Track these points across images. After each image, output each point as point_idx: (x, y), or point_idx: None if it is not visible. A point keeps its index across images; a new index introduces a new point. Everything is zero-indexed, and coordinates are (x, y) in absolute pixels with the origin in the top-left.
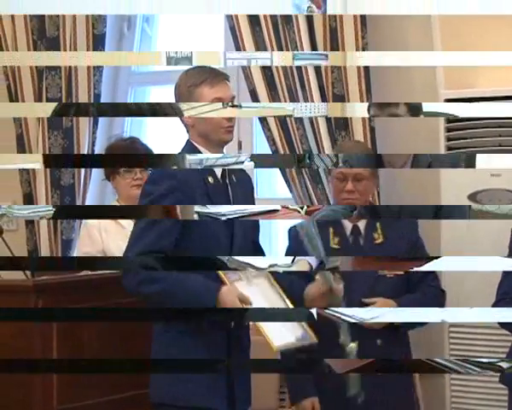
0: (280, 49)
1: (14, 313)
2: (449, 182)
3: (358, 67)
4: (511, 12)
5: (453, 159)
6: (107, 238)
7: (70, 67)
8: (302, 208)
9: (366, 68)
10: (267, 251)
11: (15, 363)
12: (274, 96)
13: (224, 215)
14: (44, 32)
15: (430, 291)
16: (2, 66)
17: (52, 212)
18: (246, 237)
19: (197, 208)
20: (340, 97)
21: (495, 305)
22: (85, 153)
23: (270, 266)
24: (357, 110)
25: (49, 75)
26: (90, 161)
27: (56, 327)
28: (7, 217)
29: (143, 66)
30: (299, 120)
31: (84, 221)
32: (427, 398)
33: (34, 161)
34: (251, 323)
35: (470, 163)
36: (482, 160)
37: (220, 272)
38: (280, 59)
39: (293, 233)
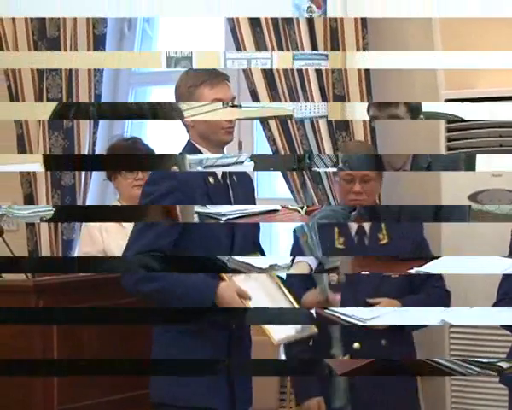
0: (280, 49)
1: (14, 313)
2: (449, 182)
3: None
4: (511, 13)
5: (453, 159)
6: (108, 238)
7: None
8: (302, 208)
9: (367, 69)
10: (267, 251)
11: (15, 365)
12: (274, 97)
13: (224, 215)
14: (45, 33)
15: (435, 292)
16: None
17: (52, 212)
18: (246, 238)
19: (197, 208)
20: (341, 98)
21: (495, 305)
22: (86, 153)
23: (270, 266)
24: (357, 111)
25: (50, 76)
26: (91, 161)
27: (57, 327)
28: (7, 217)
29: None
30: (300, 121)
31: None
32: (428, 398)
33: (34, 162)
34: None
35: (470, 163)
36: (482, 160)
37: None
38: (280, 59)
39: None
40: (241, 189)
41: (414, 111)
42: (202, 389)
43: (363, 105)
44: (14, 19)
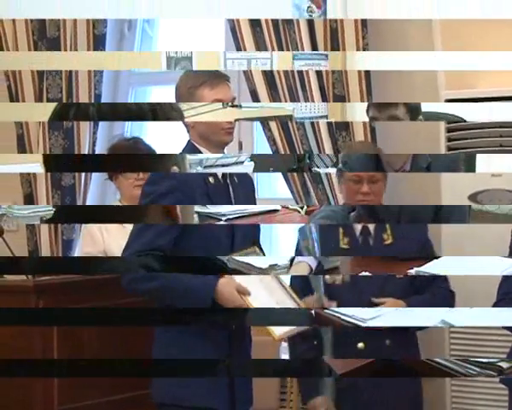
0: (280, 49)
1: (14, 313)
2: (449, 182)
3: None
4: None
5: (453, 159)
6: (109, 238)
7: None
8: (302, 208)
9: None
10: (267, 251)
11: (15, 365)
12: (275, 97)
13: (224, 215)
14: (45, 33)
15: (439, 292)
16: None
17: (52, 212)
18: (246, 238)
19: (197, 208)
20: (341, 98)
21: (495, 305)
22: (86, 153)
23: (270, 266)
24: (358, 111)
25: (50, 76)
26: (92, 161)
27: (57, 327)
28: (7, 217)
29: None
30: (301, 121)
31: None
32: (428, 398)
33: (35, 162)
34: None
35: (470, 164)
36: (482, 160)
37: None
38: (280, 59)
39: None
40: (242, 189)
41: (413, 112)
42: (203, 389)
43: (364, 105)
44: (14, 19)
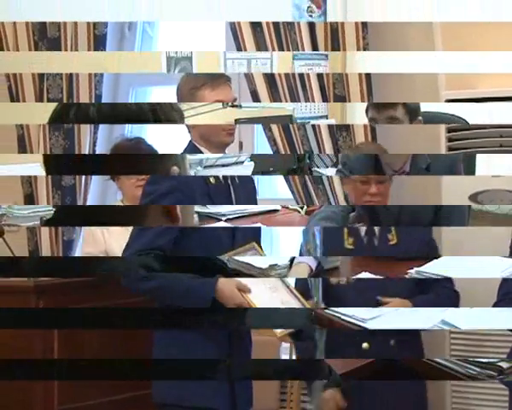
0: (281, 49)
1: (14, 313)
2: (450, 183)
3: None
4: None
5: (452, 160)
6: (110, 238)
7: None
8: (302, 208)
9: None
10: (267, 251)
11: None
12: (275, 97)
13: (224, 215)
14: (45, 33)
15: (443, 292)
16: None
17: (52, 212)
18: (246, 237)
19: (197, 208)
20: (341, 98)
21: (495, 305)
22: (87, 153)
23: (270, 266)
24: (358, 111)
25: (51, 76)
26: (93, 161)
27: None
28: (7, 217)
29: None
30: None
31: None
32: (428, 398)
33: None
34: None
35: (470, 164)
36: (482, 160)
37: None
38: (280, 59)
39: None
40: (243, 190)
41: (412, 113)
42: (203, 389)
43: (364, 105)
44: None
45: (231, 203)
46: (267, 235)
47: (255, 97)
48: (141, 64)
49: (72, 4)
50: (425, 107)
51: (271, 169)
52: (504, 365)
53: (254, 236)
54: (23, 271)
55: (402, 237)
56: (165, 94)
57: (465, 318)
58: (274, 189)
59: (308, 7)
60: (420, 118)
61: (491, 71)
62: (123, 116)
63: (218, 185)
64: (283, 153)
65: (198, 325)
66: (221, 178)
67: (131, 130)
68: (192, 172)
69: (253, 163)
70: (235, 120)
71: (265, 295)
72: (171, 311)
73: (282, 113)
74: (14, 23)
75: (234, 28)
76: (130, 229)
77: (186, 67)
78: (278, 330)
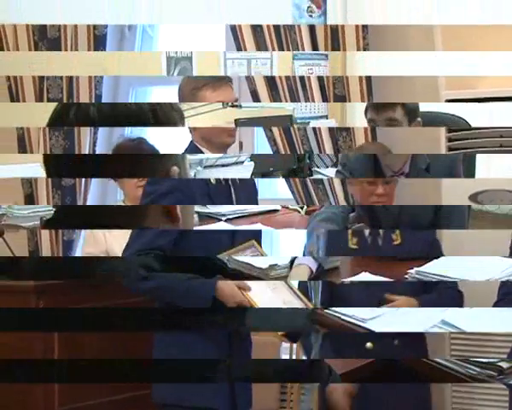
0: (281, 49)
1: (14, 314)
2: (450, 182)
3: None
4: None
5: (452, 160)
6: (111, 238)
7: None
8: (302, 208)
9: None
10: (267, 251)
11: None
12: (275, 97)
13: (224, 215)
14: (45, 33)
15: (447, 292)
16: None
17: (52, 212)
18: (246, 237)
19: (197, 208)
20: (341, 98)
21: (496, 305)
22: (87, 153)
23: (270, 266)
24: (358, 111)
25: (51, 76)
26: (93, 161)
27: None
28: (7, 217)
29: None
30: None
31: None
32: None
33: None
34: None
35: (470, 164)
36: (482, 160)
37: None
38: (280, 59)
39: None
40: (244, 191)
41: (411, 114)
42: (203, 389)
43: (364, 105)
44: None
45: (232, 203)
46: (267, 235)
47: (255, 97)
48: (141, 64)
49: (72, 5)
50: (425, 107)
51: (271, 169)
52: (504, 365)
53: (254, 236)
54: (23, 272)
55: (406, 237)
56: (166, 94)
57: (465, 318)
58: (274, 189)
59: (308, 7)
60: (419, 119)
61: (492, 71)
62: (123, 116)
63: (219, 186)
64: (283, 153)
65: (198, 326)
66: (222, 178)
67: (132, 130)
68: (192, 173)
69: (252, 163)
70: (235, 120)
71: (266, 294)
72: (171, 311)
73: (282, 113)
74: (15, 24)
75: (234, 28)
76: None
77: (186, 67)
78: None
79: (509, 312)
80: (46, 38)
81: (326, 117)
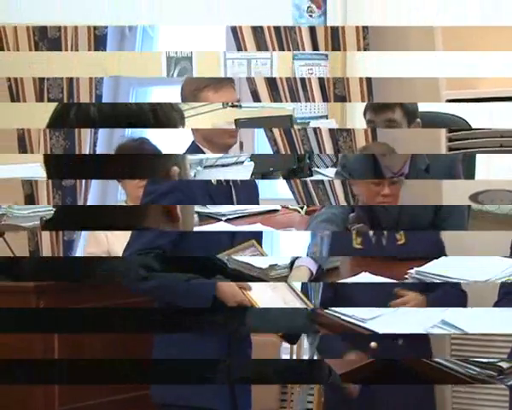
0: (281, 49)
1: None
2: (450, 182)
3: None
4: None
5: (452, 160)
6: (113, 238)
7: None
8: (302, 208)
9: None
10: (268, 251)
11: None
12: (275, 97)
13: (224, 215)
14: (46, 33)
15: (451, 291)
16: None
17: (52, 212)
18: (247, 238)
19: (197, 208)
20: (342, 98)
21: (496, 304)
22: (87, 153)
23: (271, 266)
24: (358, 111)
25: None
26: (93, 161)
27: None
28: (7, 217)
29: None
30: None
31: None
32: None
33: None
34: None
35: (470, 164)
36: (482, 160)
37: None
38: (280, 59)
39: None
40: (245, 192)
41: (410, 115)
42: (203, 389)
43: (364, 105)
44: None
45: (232, 203)
46: (267, 235)
47: (255, 97)
48: (141, 64)
49: (72, 5)
50: (425, 107)
51: (271, 169)
52: (504, 365)
53: (255, 236)
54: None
55: (410, 236)
56: (166, 94)
57: (465, 318)
58: (274, 189)
59: (308, 7)
60: (418, 120)
61: (491, 72)
62: (123, 116)
63: (220, 186)
64: (284, 153)
65: (198, 326)
66: (223, 179)
67: (134, 130)
68: (192, 173)
69: (252, 163)
70: (235, 120)
71: (266, 293)
72: (171, 311)
73: (282, 113)
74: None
75: (234, 29)
76: None
77: (186, 67)
78: None
79: (509, 312)
80: (46, 38)
81: (326, 117)
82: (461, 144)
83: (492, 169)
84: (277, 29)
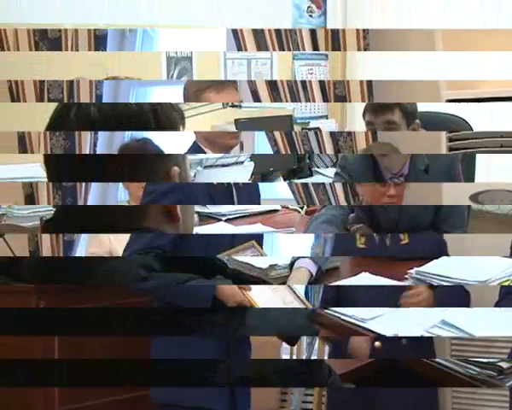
0: (281, 49)
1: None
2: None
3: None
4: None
5: (451, 160)
6: (115, 239)
7: None
8: (302, 208)
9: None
10: (268, 251)
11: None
12: (276, 97)
13: (224, 215)
14: (46, 33)
15: (454, 291)
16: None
17: (52, 212)
18: (247, 238)
19: (197, 208)
20: (342, 98)
21: (497, 305)
22: (88, 153)
23: (271, 266)
24: (357, 111)
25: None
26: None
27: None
28: (7, 217)
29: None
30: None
31: None
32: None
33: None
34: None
35: (470, 164)
36: (482, 161)
37: None
38: (280, 59)
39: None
40: (246, 193)
41: (410, 116)
42: (202, 389)
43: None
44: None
45: (233, 204)
46: (268, 235)
47: (255, 97)
48: (141, 64)
49: (72, 5)
50: (425, 107)
51: (271, 169)
52: (504, 365)
53: (255, 236)
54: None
55: (413, 236)
56: (166, 94)
57: (466, 318)
58: (274, 189)
59: (308, 7)
60: (417, 121)
61: (491, 73)
62: (124, 116)
63: (220, 187)
64: (284, 153)
65: (198, 326)
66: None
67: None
68: (192, 173)
69: (252, 163)
70: (235, 120)
71: (266, 293)
72: (171, 311)
73: (283, 113)
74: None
75: (235, 29)
76: None
77: (186, 67)
78: None
79: (510, 312)
80: (47, 38)
81: (326, 117)
82: (461, 144)
83: (492, 169)
84: (278, 30)
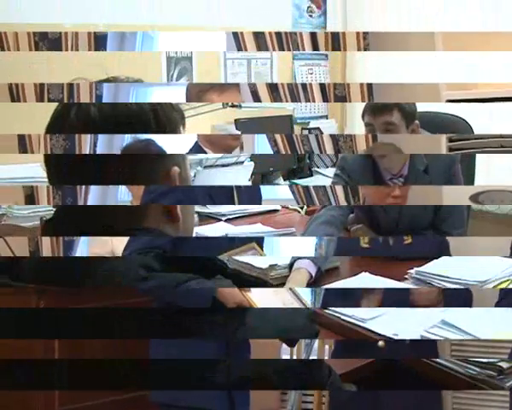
0: (281, 49)
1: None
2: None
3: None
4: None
5: (451, 160)
6: (117, 239)
7: None
8: (302, 208)
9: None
10: (268, 251)
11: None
12: (276, 97)
13: (224, 215)
14: (46, 33)
15: (455, 291)
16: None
17: (52, 212)
18: (247, 238)
19: (197, 208)
20: (342, 98)
21: (497, 305)
22: (88, 153)
23: (271, 266)
24: (357, 111)
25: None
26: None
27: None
28: (7, 217)
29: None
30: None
31: None
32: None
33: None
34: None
35: (469, 164)
36: (482, 161)
37: None
38: (280, 59)
39: None
40: (247, 194)
41: (409, 117)
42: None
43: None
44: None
45: (233, 204)
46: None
47: (255, 97)
48: (141, 64)
49: (72, 5)
50: (425, 107)
51: (271, 169)
52: (504, 365)
53: (255, 237)
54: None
55: (417, 236)
56: (166, 94)
57: (466, 318)
58: (274, 189)
59: (308, 7)
60: (417, 122)
61: (491, 73)
62: (124, 116)
63: (221, 187)
64: (284, 153)
65: (198, 326)
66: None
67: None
68: (192, 173)
69: (252, 163)
70: (235, 120)
71: (266, 294)
72: (171, 311)
73: (283, 113)
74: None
75: (235, 31)
76: None
77: (186, 67)
78: None
79: (510, 312)
80: (47, 38)
81: (326, 117)
82: (461, 144)
83: (492, 169)
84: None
